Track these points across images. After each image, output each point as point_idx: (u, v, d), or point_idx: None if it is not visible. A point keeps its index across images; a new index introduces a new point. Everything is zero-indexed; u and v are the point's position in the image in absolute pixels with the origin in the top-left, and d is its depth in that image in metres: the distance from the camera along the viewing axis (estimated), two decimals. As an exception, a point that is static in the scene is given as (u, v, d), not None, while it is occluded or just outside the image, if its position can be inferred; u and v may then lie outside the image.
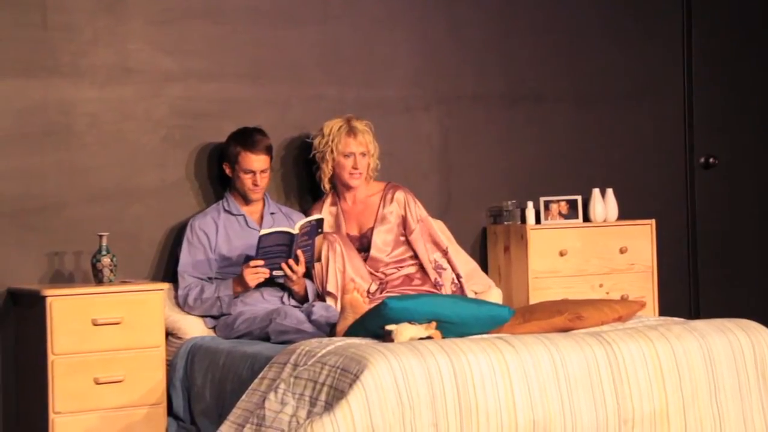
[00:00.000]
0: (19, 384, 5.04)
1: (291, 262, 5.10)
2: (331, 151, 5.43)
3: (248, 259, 5.12)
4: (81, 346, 4.81)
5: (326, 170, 5.46)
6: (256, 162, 5.26)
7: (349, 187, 5.46)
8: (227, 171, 5.34)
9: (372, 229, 5.42)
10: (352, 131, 5.43)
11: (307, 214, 5.47)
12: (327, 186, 5.50)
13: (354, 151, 5.41)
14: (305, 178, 5.68)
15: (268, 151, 5.30)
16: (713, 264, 6.61)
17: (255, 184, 5.28)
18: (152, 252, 5.37)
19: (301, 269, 5.13)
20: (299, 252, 5.11)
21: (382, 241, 5.42)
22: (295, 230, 5.07)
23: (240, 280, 5.11)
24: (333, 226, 5.45)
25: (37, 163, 5.18)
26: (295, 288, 5.21)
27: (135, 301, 4.91)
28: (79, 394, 4.79)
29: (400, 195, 5.49)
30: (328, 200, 5.51)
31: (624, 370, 4.34)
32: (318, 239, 5.20)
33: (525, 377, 4.20)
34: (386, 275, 5.38)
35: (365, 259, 5.38)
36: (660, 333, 4.49)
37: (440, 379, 4.10)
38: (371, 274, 5.35)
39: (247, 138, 5.27)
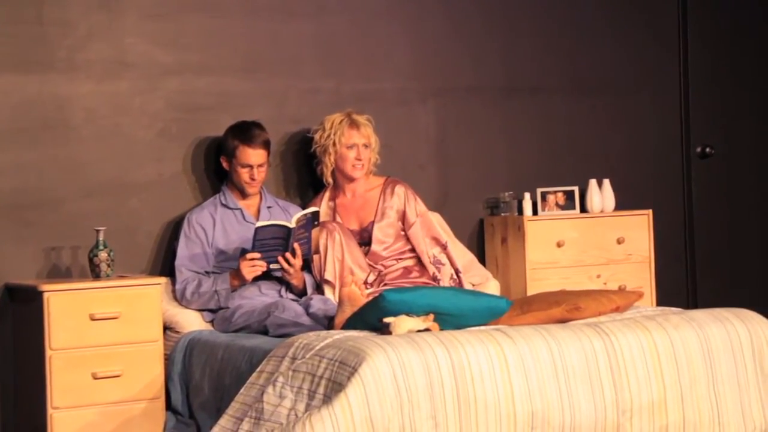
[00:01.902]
0: (17, 379, 5.04)
1: (288, 255, 5.10)
2: (334, 144, 5.42)
3: (244, 252, 5.11)
4: (79, 341, 4.80)
5: (328, 163, 5.46)
6: (254, 156, 5.26)
7: (351, 179, 5.45)
8: (224, 164, 5.34)
9: (372, 224, 5.43)
10: (354, 123, 5.43)
11: (305, 207, 5.47)
12: (330, 179, 5.49)
13: (357, 142, 5.42)
14: (303, 172, 5.67)
15: (266, 145, 5.30)
16: (710, 254, 6.61)
17: (252, 178, 5.28)
18: (149, 246, 5.36)
19: (298, 262, 5.14)
20: (296, 245, 5.11)
21: (384, 235, 5.42)
22: (292, 224, 5.06)
23: (237, 274, 5.11)
24: (331, 220, 5.45)
25: (34, 158, 5.17)
26: (294, 282, 5.20)
27: (133, 295, 4.91)
28: (77, 389, 4.79)
29: (400, 189, 5.50)
30: (327, 194, 5.51)
31: (622, 361, 4.34)
32: (314, 231, 5.20)
33: (523, 368, 4.21)
34: (385, 267, 5.39)
35: (366, 253, 5.38)
36: (658, 323, 4.49)
37: (438, 371, 4.10)
38: (370, 266, 5.35)
39: (245, 132, 5.27)
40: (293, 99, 5.67)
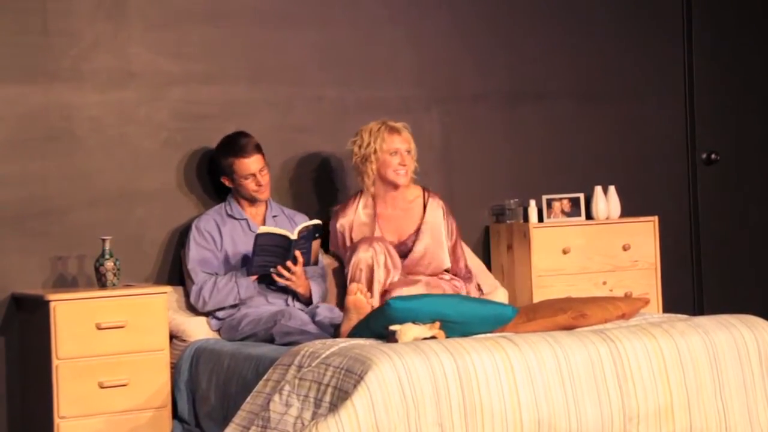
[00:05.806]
0: (24, 389, 5.04)
1: (289, 263, 5.10)
2: (375, 152, 5.34)
3: (246, 258, 5.11)
4: (85, 350, 4.81)
5: (370, 172, 5.36)
6: (252, 164, 5.25)
7: (396, 186, 5.38)
8: (227, 183, 5.32)
9: (415, 234, 5.37)
10: (394, 129, 5.37)
11: (330, 213, 5.47)
12: (372, 189, 5.39)
13: (399, 147, 5.35)
14: (308, 180, 5.68)
15: (259, 149, 5.29)
16: (716, 260, 6.60)
17: (258, 185, 5.28)
18: (155, 255, 5.37)
19: (299, 269, 5.14)
20: (297, 253, 5.12)
21: (424, 247, 5.38)
22: (294, 235, 5.08)
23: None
24: (369, 232, 5.38)
25: (40, 167, 5.18)
26: (300, 290, 5.21)
27: (139, 304, 4.91)
28: (84, 398, 4.80)
29: (440, 206, 5.44)
30: (361, 202, 5.45)
31: (628, 368, 4.34)
32: (315, 243, 5.22)
33: (529, 376, 4.20)
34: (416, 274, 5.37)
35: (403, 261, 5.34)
36: (664, 330, 4.49)
37: (444, 379, 4.10)
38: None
39: (234, 145, 5.26)
40: (298, 107, 5.68)
